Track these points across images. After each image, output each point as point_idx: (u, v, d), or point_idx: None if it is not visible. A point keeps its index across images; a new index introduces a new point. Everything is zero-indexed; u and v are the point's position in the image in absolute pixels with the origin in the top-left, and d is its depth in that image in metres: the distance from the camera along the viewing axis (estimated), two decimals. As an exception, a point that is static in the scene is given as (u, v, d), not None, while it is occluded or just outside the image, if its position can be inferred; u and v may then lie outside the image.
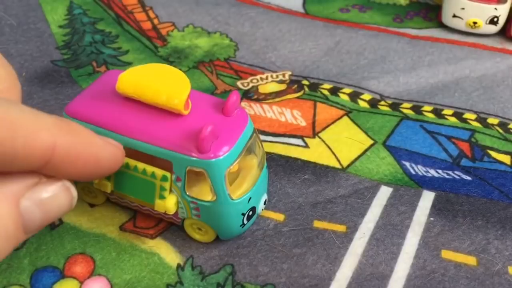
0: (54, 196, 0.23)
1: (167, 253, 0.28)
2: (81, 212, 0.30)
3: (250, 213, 0.28)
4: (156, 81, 0.26)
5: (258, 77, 0.41)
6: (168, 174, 0.26)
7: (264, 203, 0.29)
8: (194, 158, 0.25)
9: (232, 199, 0.27)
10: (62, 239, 0.29)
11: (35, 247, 0.28)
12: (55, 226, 0.29)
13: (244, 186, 0.27)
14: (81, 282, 0.27)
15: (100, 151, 0.24)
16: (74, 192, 0.24)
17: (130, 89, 0.26)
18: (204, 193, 0.27)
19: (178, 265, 0.28)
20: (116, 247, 0.29)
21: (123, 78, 0.26)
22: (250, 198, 0.27)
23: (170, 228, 0.30)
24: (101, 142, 0.25)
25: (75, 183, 0.26)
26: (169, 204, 0.27)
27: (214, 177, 0.26)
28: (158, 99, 0.26)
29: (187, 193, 0.27)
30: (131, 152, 0.27)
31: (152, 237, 0.29)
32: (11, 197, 0.22)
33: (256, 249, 0.29)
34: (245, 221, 0.28)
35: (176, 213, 0.28)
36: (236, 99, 0.27)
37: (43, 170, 0.23)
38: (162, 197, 0.27)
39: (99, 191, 0.29)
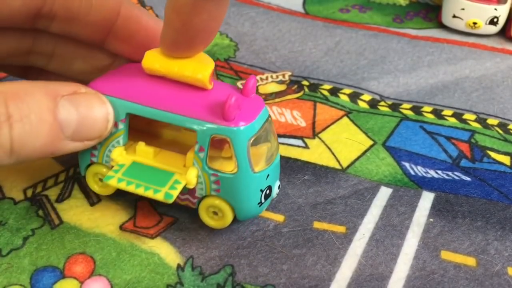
0: (89, 101, 0.26)
1: (167, 253, 0.28)
2: (81, 211, 0.30)
3: (267, 191, 0.28)
4: (181, 58, 0.27)
5: (258, 77, 0.41)
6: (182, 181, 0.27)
7: (278, 188, 0.29)
8: (219, 126, 0.26)
9: (253, 172, 0.27)
10: (62, 239, 0.29)
11: (35, 247, 0.28)
12: (55, 226, 0.29)
13: (262, 164, 0.28)
14: (81, 282, 0.27)
15: (153, 20, 0.30)
16: (110, 109, 0.27)
17: (156, 64, 0.27)
18: (226, 165, 0.27)
19: (178, 266, 0.28)
20: (116, 247, 0.29)
21: (150, 54, 0.27)
22: (268, 175, 0.28)
23: (170, 228, 0.30)
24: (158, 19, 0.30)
25: (88, 168, 0.29)
26: (190, 176, 0.27)
27: (238, 145, 0.26)
28: (184, 72, 0.27)
29: (209, 165, 0.27)
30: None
31: (152, 237, 0.29)
32: (52, 93, 0.25)
33: (256, 250, 0.29)
34: (263, 200, 0.28)
35: (193, 191, 0.28)
36: (254, 82, 0.28)
37: (108, 40, 0.30)
38: (173, 188, 0.27)
39: None
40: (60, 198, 0.31)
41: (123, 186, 0.27)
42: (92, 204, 0.31)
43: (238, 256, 0.28)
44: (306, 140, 0.36)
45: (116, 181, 0.27)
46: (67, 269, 0.28)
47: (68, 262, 0.28)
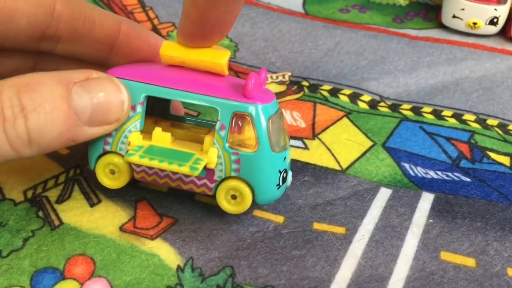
0: (102, 85, 0.27)
1: (167, 255, 0.28)
2: (81, 212, 0.30)
3: (285, 175, 0.29)
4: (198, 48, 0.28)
5: (258, 78, 0.41)
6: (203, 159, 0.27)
7: (292, 176, 0.30)
8: (241, 103, 0.27)
9: (273, 151, 0.28)
10: (62, 240, 0.29)
11: (35, 248, 0.28)
12: (55, 227, 0.29)
13: (279, 146, 0.28)
14: (82, 284, 0.27)
15: (153, 36, 0.31)
16: (124, 91, 0.27)
17: (174, 52, 0.28)
18: (246, 145, 0.28)
19: (178, 267, 0.28)
20: (116, 248, 0.29)
21: (167, 44, 0.28)
22: (285, 158, 0.29)
23: (170, 229, 0.30)
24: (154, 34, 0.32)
25: (98, 160, 0.29)
26: (211, 154, 0.27)
27: (259, 122, 0.27)
28: (203, 57, 0.27)
29: (229, 145, 0.28)
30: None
31: (152, 238, 0.29)
32: (64, 81, 0.26)
33: (256, 251, 0.29)
34: (281, 182, 0.29)
35: (212, 174, 0.28)
36: (265, 74, 0.29)
37: (110, 58, 0.31)
38: (197, 163, 0.27)
39: (124, 169, 0.29)
40: (60, 199, 0.31)
41: (146, 161, 0.27)
42: (92, 205, 0.31)
43: (238, 257, 0.28)
44: (306, 141, 0.36)
45: (138, 158, 0.27)
46: (67, 270, 0.28)
47: (68, 263, 0.28)
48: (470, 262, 0.29)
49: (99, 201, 0.31)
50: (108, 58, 0.31)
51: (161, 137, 0.28)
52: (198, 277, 0.28)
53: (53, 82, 0.25)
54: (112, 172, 0.29)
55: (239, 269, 0.28)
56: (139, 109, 0.28)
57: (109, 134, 0.28)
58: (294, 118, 0.37)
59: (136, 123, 0.28)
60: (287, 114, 0.37)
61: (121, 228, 0.30)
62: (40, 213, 0.30)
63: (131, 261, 0.28)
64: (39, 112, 0.25)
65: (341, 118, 0.38)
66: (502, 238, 0.30)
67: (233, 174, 0.28)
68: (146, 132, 0.29)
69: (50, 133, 0.25)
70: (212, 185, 0.29)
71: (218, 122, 0.27)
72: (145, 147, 0.28)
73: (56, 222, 0.30)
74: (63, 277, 0.27)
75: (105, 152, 0.29)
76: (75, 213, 0.30)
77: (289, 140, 0.30)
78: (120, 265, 0.28)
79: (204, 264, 0.28)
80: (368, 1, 0.51)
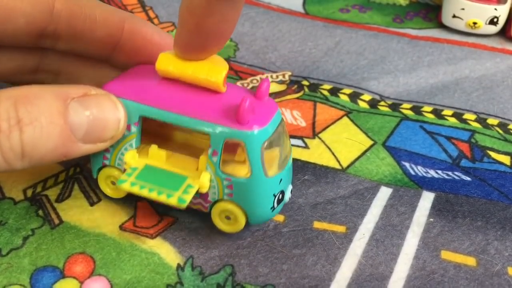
0: (100, 102, 0.26)
1: (167, 253, 0.28)
2: (82, 211, 0.30)
3: (280, 196, 0.28)
4: (195, 61, 0.27)
5: (258, 77, 0.41)
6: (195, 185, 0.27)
7: (291, 192, 0.29)
8: (233, 129, 0.26)
9: (267, 177, 0.27)
10: (62, 239, 0.29)
11: (35, 247, 0.28)
12: (55, 226, 0.29)
13: (275, 168, 0.28)
14: (81, 282, 0.27)
15: (158, 34, 0.31)
16: (121, 109, 0.27)
17: (170, 66, 0.27)
18: (239, 170, 0.27)
19: (178, 266, 0.28)
20: (116, 247, 0.29)
21: (163, 56, 0.27)
22: (281, 180, 0.28)
23: (170, 228, 0.30)
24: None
25: (99, 171, 0.29)
26: (203, 180, 0.27)
27: (252, 149, 0.26)
28: (198, 75, 0.27)
29: (222, 170, 0.27)
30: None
31: (152, 236, 0.29)
32: (62, 96, 0.25)
33: (256, 250, 0.29)
34: (275, 204, 0.28)
35: (206, 195, 0.28)
36: (268, 85, 0.28)
37: (114, 55, 0.30)
38: (186, 192, 0.27)
39: None
40: (60, 198, 0.31)
41: (136, 190, 0.27)
42: (92, 204, 0.31)
43: (238, 256, 0.28)
44: (306, 140, 0.36)
45: (129, 185, 0.27)
46: (67, 269, 0.28)
47: (68, 262, 0.28)
48: (471, 261, 0.29)
49: (99, 200, 0.31)
50: (111, 56, 0.31)
51: (157, 155, 0.28)
52: (198, 275, 0.27)
53: (51, 96, 0.25)
54: (113, 183, 0.30)
55: (239, 267, 0.28)
56: (134, 129, 0.28)
57: (107, 150, 0.28)
58: (294, 117, 0.37)
59: (131, 142, 0.28)
60: (287, 113, 0.37)
61: (121, 227, 0.30)
62: (40, 212, 0.30)
63: (131, 260, 0.28)
64: (35, 126, 0.24)
65: (341, 117, 0.37)
66: (503, 237, 0.30)
67: (226, 197, 0.28)
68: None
69: (44, 147, 0.25)
70: (207, 205, 0.28)
71: (210, 148, 0.27)
72: (139, 169, 0.28)
73: (56, 221, 0.30)
74: (63, 276, 0.27)
75: (105, 165, 0.29)
76: (75, 212, 0.30)
77: (291, 152, 0.29)
78: (120, 263, 0.28)
79: (204, 262, 0.28)
80: (368, 1, 0.51)
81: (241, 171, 0.27)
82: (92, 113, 0.26)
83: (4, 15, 0.27)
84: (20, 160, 0.25)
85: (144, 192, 0.27)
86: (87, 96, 0.26)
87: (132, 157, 0.28)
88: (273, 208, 0.28)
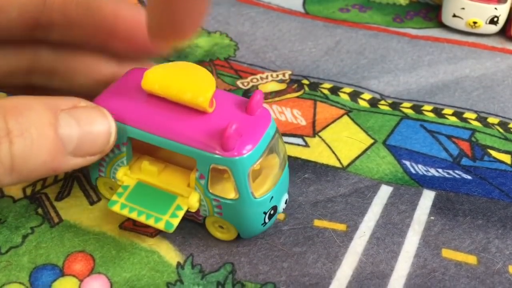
0: (90, 115, 0.26)
1: (167, 252, 0.28)
2: (81, 210, 0.30)
3: (272, 212, 0.28)
4: (181, 79, 0.26)
5: (258, 76, 0.41)
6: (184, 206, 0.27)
7: (285, 203, 0.29)
8: (218, 156, 0.25)
9: (255, 198, 0.27)
10: (62, 237, 0.29)
11: (34, 245, 0.28)
12: (54, 224, 0.29)
13: (266, 185, 0.27)
14: (81, 280, 0.27)
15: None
16: (112, 122, 0.26)
17: (155, 86, 0.26)
18: (227, 191, 0.27)
19: (178, 264, 0.28)
20: (116, 245, 0.29)
21: (149, 75, 0.27)
22: (272, 197, 0.27)
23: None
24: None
25: (97, 180, 0.29)
26: (192, 201, 0.27)
27: (238, 175, 0.26)
28: (183, 96, 0.26)
29: (210, 191, 0.27)
30: (155, 149, 0.28)
31: (152, 235, 0.29)
32: (53, 107, 0.25)
33: (256, 248, 0.29)
34: (267, 220, 0.28)
35: (198, 211, 0.28)
36: (260, 98, 0.27)
37: (110, 43, 0.29)
38: (174, 216, 0.27)
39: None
40: (60, 197, 0.31)
41: (125, 213, 0.27)
42: (91, 203, 0.31)
43: (238, 254, 0.28)
44: (306, 138, 0.36)
45: (119, 208, 0.27)
46: (66, 267, 0.27)
47: (68, 260, 0.28)
48: (472, 259, 0.29)
49: (99, 199, 0.31)
50: (107, 44, 0.30)
51: (149, 171, 0.28)
52: (198, 273, 0.27)
53: (41, 107, 0.24)
54: (111, 188, 0.30)
55: (240, 265, 0.28)
56: (124, 148, 0.28)
57: (101, 164, 0.29)
58: (295, 116, 0.37)
59: (122, 159, 0.28)
60: (287, 112, 0.37)
61: (121, 226, 0.30)
62: (39, 210, 0.30)
63: (131, 258, 0.28)
64: (25, 138, 0.24)
65: (341, 116, 0.37)
66: (504, 236, 0.30)
67: (216, 215, 0.28)
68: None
69: (34, 161, 0.24)
70: (200, 218, 0.29)
71: (198, 171, 0.26)
72: (130, 188, 0.28)
73: (56, 219, 0.30)
74: (62, 274, 0.27)
75: (101, 176, 0.29)
76: (75, 210, 0.30)
77: (286, 161, 0.29)
78: (119, 261, 0.28)
79: (204, 260, 0.28)
80: (368, 1, 0.51)
81: (229, 192, 0.27)
82: (83, 126, 0.25)
83: None
84: (9, 175, 0.24)
85: (133, 215, 0.27)
86: (76, 108, 0.26)
87: (124, 174, 0.28)
88: (264, 224, 0.28)
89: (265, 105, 0.38)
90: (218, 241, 0.29)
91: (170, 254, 0.28)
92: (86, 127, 0.25)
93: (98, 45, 0.30)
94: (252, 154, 0.26)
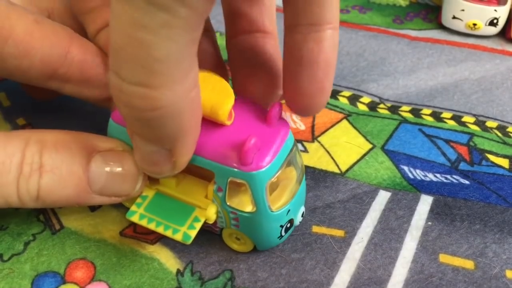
0: (123, 160, 0.27)
1: (167, 259, 0.29)
2: (82, 217, 0.30)
3: (288, 225, 0.28)
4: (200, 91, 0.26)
5: (257, 80, 0.41)
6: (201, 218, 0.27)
7: (302, 215, 0.29)
8: (236, 170, 0.25)
9: (272, 211, 0.27)
10: (63, 244, 0.29)
11: (36, 252, 0.29)
12: (56, 231, 0.30)
13: (284, 198, 0.27)
14: (82, 288, 0.27)
15: None
16: (140, 176, 0.27)
17: None
18: (244, 204, 0.27)
19: (178, 271, 0.28)
20: (116, 252, 0.29)
21: None
22: (289, 210, 0.27)
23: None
24: None
25: None
26: (209, 213, 0.27)
27: (255, 189, 0.26)
28: (203, 109, 0.26)
29: (228, 204, 0.27)
30: None
31: (152, 242, 0.29)
32: (89, 147, 0.27)
33: (255, 255, 0.29)
34: (283, 233, 0.28)
35: (215, 222, 0.28)
36: (279, 110, 0.27)
37: None
38: (192, 228, 0.27)
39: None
40: (61, 203, 0.31)
41: (144, 223, 0.27)
42: (93, 210, 0.31)
43: (237, 261, 0.29)
44: (305, 143, 0.36)
45: (137, 218, 0.28)
46: (67, 274, 0.28)
47: (69, 268, 0.28)
48: (469, 264, 0.29)
49: (100, 206, 0.31)
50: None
51: (167, 182, 0.28)
52: (197, 280, 0.28)
53: (77, 146, 0.26)
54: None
55: (238, 272, 0.28)
56: None
57: None
58: (294, 120, 0.37)
59: None
60: (286, 116, 0.38)
61: (122, 233, 0.30)
62: (41, 217, 0.30)
63: (131, 265, 0.28)
64: (54, 173, 0.26)
65: (340, 120, 0.38)
66: (501, 240, 0.30)
67: (233, 227, 0.28)
68: None
69: (59, 194, 0.26)
70: (217, 229, 0.29)
71: (215, 184, 0.27)
72: (149, 198, 0.28)
73: (57, 226, 0.30)
74: (63, 281, 0.27)
75: None
76: (76, 217, 0.30)
77: (303, 174, 0.29)
78: (120, 269, 0.28)
79: (204, 268, 0.28)
80: (368, 2, 0.51)
81: (246, 205, 0.27)
82: (112, 169, 0.27)
83: (23, 51, 0.27)
84: (34, 202, 0.26)
85: (152, 226, 0.27)
86: (112, 151, 0.27)
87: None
88: (280, 237, 0.28)
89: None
90: (218, 248, 0.29)
91: (170, 261, 0.29)
92: (115, 171, 0.27)
93: (106, 100, 0.30)
94: (270, 168, 0.26)
